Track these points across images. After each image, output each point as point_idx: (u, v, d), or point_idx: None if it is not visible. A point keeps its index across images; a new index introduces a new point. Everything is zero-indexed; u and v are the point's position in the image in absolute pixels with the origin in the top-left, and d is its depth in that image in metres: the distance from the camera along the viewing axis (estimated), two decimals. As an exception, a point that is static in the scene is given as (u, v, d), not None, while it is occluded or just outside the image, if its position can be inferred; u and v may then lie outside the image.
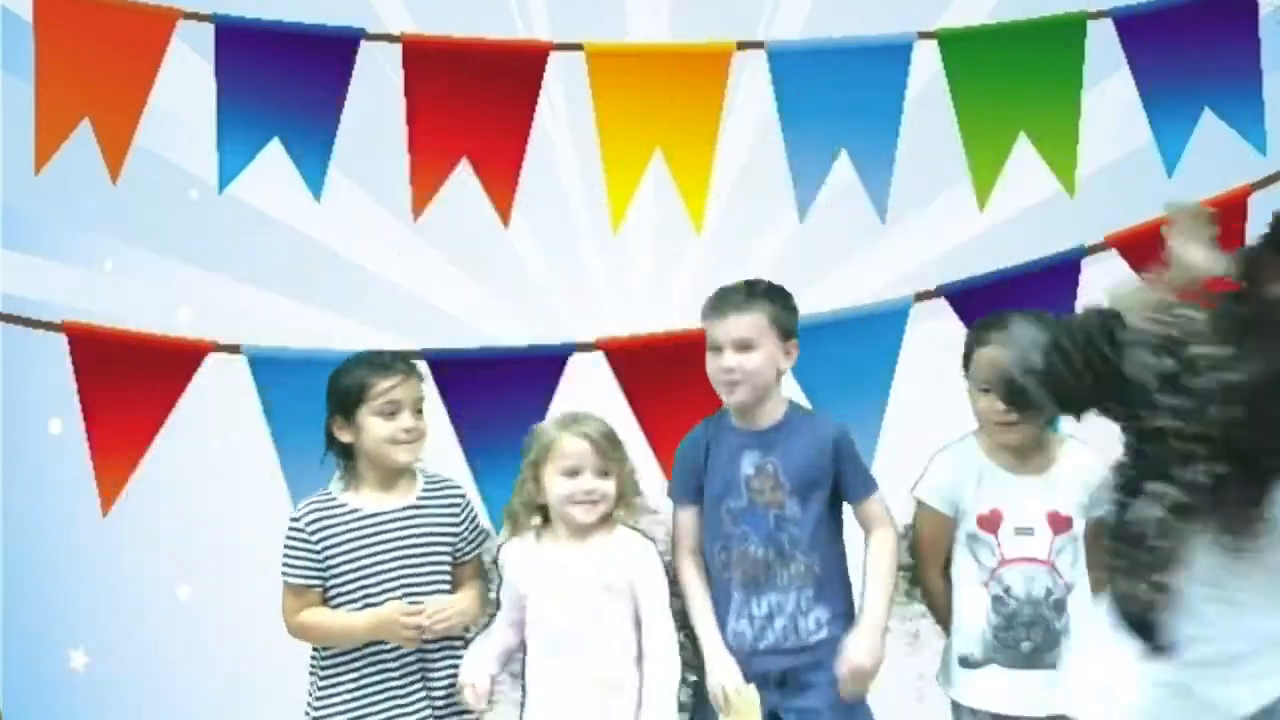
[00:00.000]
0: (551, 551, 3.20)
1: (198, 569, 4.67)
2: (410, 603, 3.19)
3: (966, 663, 3.24)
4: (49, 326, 3.67)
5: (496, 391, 3.63)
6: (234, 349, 3.65)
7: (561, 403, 3.63)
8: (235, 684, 4.54)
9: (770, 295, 3.21)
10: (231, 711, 4.57)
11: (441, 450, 3.62)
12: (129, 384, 3.61)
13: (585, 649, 3.12)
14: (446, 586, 3.26)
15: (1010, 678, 3.20)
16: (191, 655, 4.65)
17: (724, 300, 3.20)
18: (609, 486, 3.17)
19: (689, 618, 3.21)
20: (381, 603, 3.19)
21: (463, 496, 3.33)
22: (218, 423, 4.33)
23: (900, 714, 3.32)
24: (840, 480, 3.18)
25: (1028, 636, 3.18)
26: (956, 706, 3.27)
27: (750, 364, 3.15)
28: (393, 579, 3.21)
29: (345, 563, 3.21)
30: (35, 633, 4.75)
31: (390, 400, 3.22)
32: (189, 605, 4.73)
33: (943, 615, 3.32)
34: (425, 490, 3.29)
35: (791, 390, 3.54)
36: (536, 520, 3.23)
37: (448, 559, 3.27)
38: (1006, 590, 3.19)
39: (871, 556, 3.18)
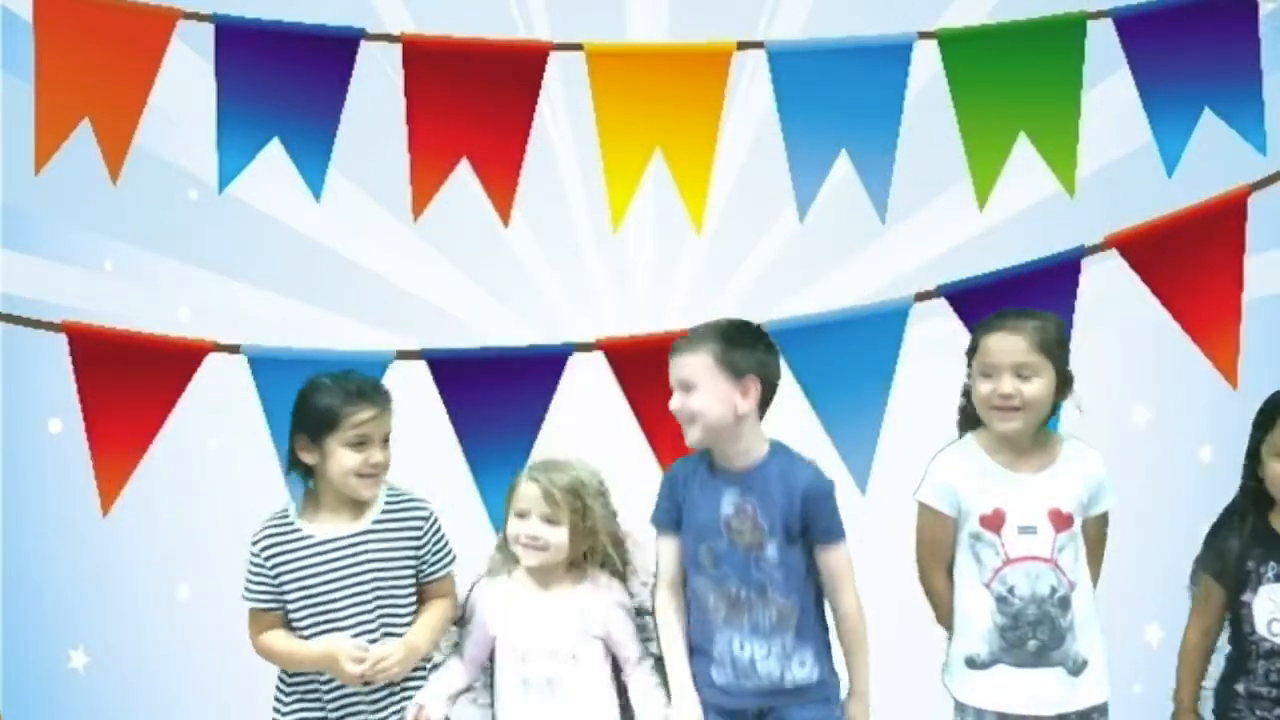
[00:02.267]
0: (520, 593, 3.24)
1: (198, 569, 4.67)
2: (360, 634, 3.19)
3: (973, 663, 3.24)
4: (49, 326, 3.67)
5: (496, 391, 3.62)
6: (234, 349, 3.65)
7: (561, 403, 3.64)
8: (235, 684, 4.53)
9: (721, 335, 3.18)
10: (231, 711, 4.56)
11: (441, 450, 3.62)
12: (129, 384, 3.61)
13: (566, 692, 3.16)
14: (405, 610, 3.25)
15: (1018, 677, 3.20)
16: (191, 655, 4.65)
17: (678, 341, 3.21)
18: (554, 535, 3.19)
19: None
20: (334, 629, 3.19)
21: (426, 516, 3.29)
22: (218, 423, 4.33)
23: (899, 713, 3.33)
24: (807, 521, 3.14)
25: (1034, 635, 3.19)
26: (961, 707, 3.27)
27: (695, 404, 3.14)
28: (345, 607, 3.21)
29: (298, 590, 3.22)
30: (35, 633, 4.75)
31: (362, 433, 3.19)
32: (189, 605, 4.73)
33: (946, 617, 3.32)
34: (384, 512, 3.26)
35: (792, 390, 3.55)
36: (510, 561, 3.27)
37: (407, 582, 3.25)
38: (1010, 590, 3.19)
39: (843, 622, 3.19)
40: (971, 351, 3.28)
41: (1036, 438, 3.26)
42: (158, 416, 3.63)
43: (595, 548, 3.24)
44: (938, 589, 3.32)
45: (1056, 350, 3.23)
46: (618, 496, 3.31)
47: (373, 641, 3.20)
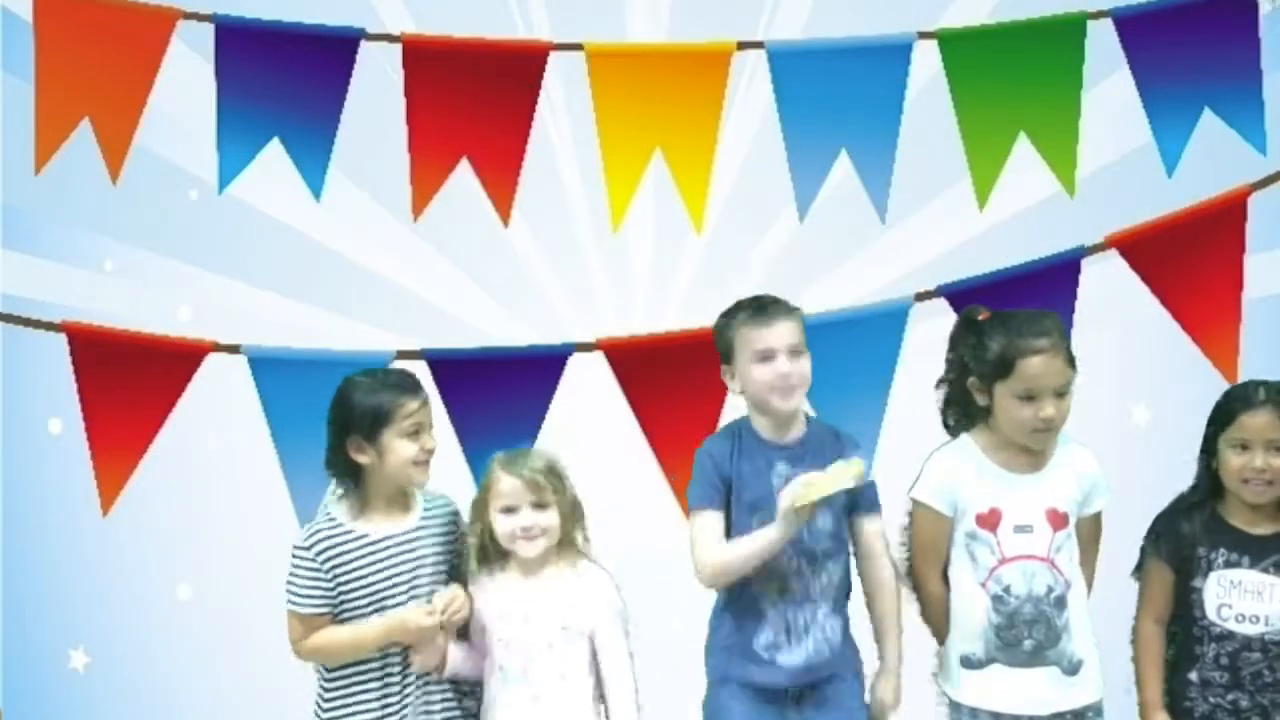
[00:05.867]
0: (510, 583, 3.24)
1: (198, 569, 4.67)
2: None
3: (968, 662, 3.23)
4: (49, 326, 3.67)
5: (496, 391, 3.62)
6: (234, 349, 3.65)
7: (561, 403, 3.64)
8: (235, 684, 4.55)
9: (797, 310, 3.26)
10: (232, 711, 4.57)
11: (441, 450, 3.62)
12: (129, 384, 3.61)
13: (541, 681, 3.15)
14: None
15: (1013, 677, 3.20)
16: (191, 655, 4.66)
17: (768, 307, 3.22)
18: (548, 519, 3.18)
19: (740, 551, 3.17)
20: None
21: (457, 514, 3.32)
22: (218, 423, 4.34)
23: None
24: (855, 493, 3.18)
25: (1030, 634, 3.18)
26: (956, 706, 3.26)
27: (805, 368, 3.20)
28: (404, 603, 3.20)
29: (358, 589, 3.20)
30: (35, 633, 4.76)
31: (415, 422, 3.20)
32: (189, 605, 4.73)
33: (938, 619, 3.31)
34: (426, 511, 3.28)
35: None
36: (492, 554, 3.25)
37: (448, 577, 3.28)
38: (1006, 589, 3.19)
39: (881, 590, 3.24)
40: (1001, 366, 3.20)
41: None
42: (158, 416, 3.63)
43: (577, 527, 3.22)
44: (930, 589, 3.31)
45: (1072, 357, 3.23)
46: (601, 489, 3.31)
47: None
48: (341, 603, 3.20)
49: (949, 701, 3.27)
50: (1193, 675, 3.28)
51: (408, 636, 3.19)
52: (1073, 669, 3.20)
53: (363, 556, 3.21)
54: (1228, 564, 3.28)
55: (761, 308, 3.22)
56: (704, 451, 3.27)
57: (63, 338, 3.63)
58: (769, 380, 3.19)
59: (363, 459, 3.21)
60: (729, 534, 3.20)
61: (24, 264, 4.58)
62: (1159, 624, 3.34)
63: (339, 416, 3.22)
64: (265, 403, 3.60)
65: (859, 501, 3.23)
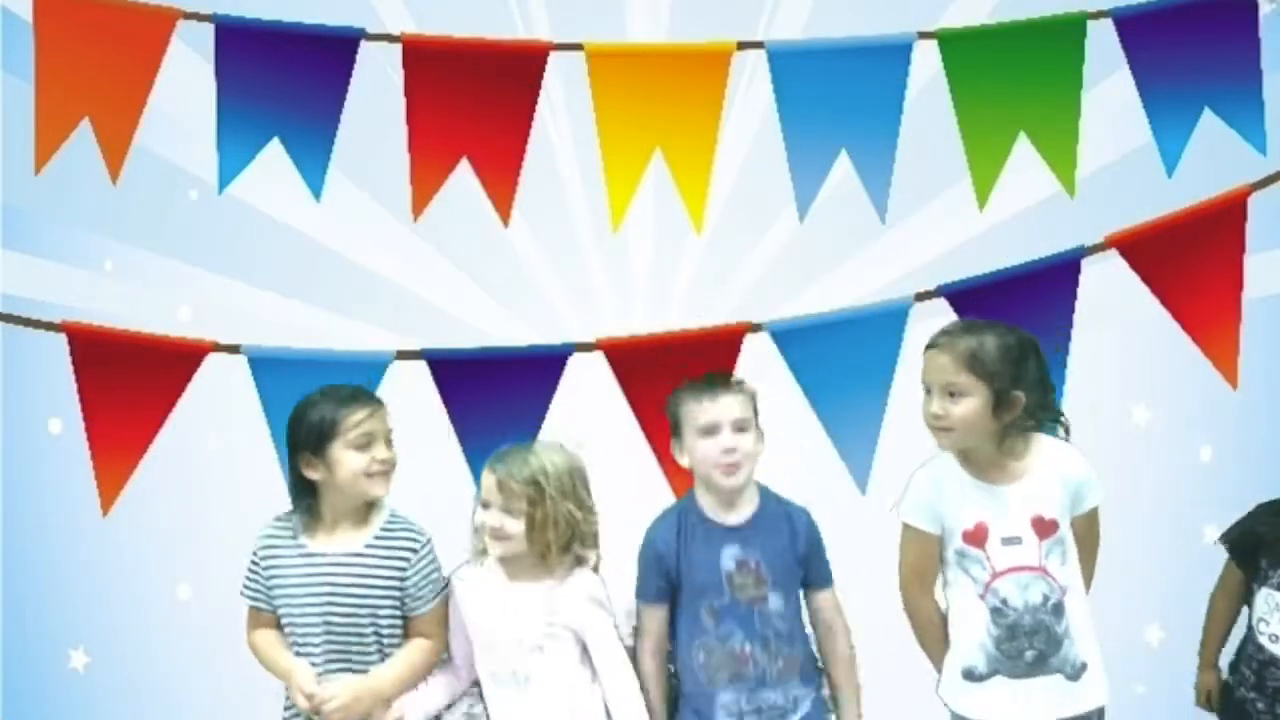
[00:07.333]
0: (489, 583, 3.24)
1: (198, 569, 4.67)
2: (323, 651, 3.20)
3: (971, 676, 3.20)
4: (49, 326, 3.67)
5: (496, 391, 3.62)
6: (234, 349, 3.65)
7: (561, 403, 3.64)
8: (235, 684, 4.52)
9: (746, 384, 3.30)
10: (231, 711, 4.56)
11: (441, 450, 3.62)
12: (129, 384, 3.61)
13: (536, 684, 3.15)
14: (385, 636, 3.24)
15: (1016, 688, 3.17)
16: (191, 655, 4.65)
17: (715, 382, 3.25)
18: (511, 526, 3.17)
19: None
20: (311, 643, 3.22)
21: (416, 547, 3.26)
22: (218, 423, 4.34)
23: None
24: (806, 566, 3.23)
25: (1031, 645, 3.16)
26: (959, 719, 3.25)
27: (749, 445, 3.20)
28: (322, 622, 3.21)
29: (283, 597, 3.24)
30: (35, 633, 4.76)
31: (364, 432, 3.20)
32: (189, 605, 4.73)
33: (933, 645, 3.27)
34: (378, 536, 3.26)
35: (792, 391, 3.55)
36: (482, 549, 3.26)
37: (389, 609, 3.24)
38: (1004, 601, 3.16)
39: (840, 665, 3.25)
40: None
41: (1008, 446, 3.21)
42: (158, 416, 3.63)
43: (555, 540, 3.18)
44: (923, 610, 3.27)
45: (996, 369, 3.15)
46: (600, 489, 3.30)
47: (330, 661, 3.21)
48: (276, 606, 3.25)
49: (952, 715, 3.26)
50: (1243, 668, 3.33)
51: (292, 695, 3.22)
52: (1075, 674, 3.19)
53: (294, 566, 3.24)
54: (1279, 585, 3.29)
55: (708, 383, 3.26)
56: (648, 542, 3.28)
57: (63, 338, 3.63)
58: (713, 456, 3.20)
59: (314, 475, 3.23)
60: (678, 621, 3.22)
61: (24, 264, 4.58)
62: (1230, 597, 3.38)
63: (291, 434, 3.26)
64: (265, 403, 3.59)
65: (812, 575, 3.24)
